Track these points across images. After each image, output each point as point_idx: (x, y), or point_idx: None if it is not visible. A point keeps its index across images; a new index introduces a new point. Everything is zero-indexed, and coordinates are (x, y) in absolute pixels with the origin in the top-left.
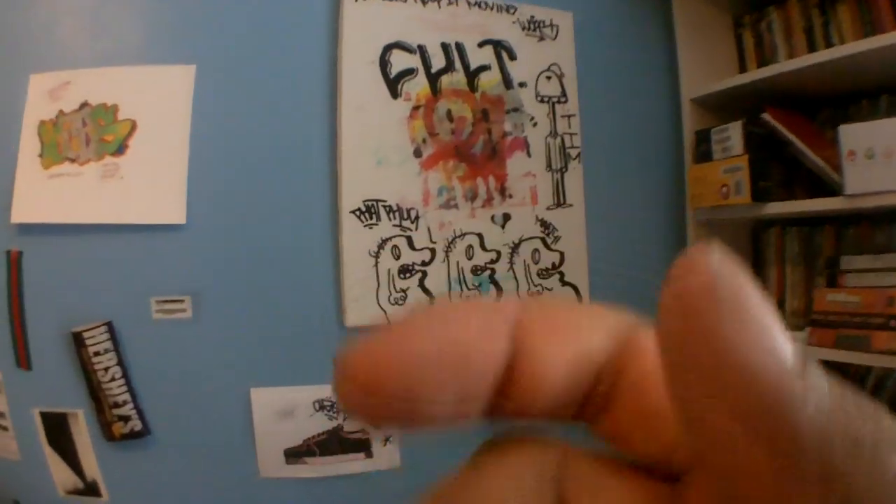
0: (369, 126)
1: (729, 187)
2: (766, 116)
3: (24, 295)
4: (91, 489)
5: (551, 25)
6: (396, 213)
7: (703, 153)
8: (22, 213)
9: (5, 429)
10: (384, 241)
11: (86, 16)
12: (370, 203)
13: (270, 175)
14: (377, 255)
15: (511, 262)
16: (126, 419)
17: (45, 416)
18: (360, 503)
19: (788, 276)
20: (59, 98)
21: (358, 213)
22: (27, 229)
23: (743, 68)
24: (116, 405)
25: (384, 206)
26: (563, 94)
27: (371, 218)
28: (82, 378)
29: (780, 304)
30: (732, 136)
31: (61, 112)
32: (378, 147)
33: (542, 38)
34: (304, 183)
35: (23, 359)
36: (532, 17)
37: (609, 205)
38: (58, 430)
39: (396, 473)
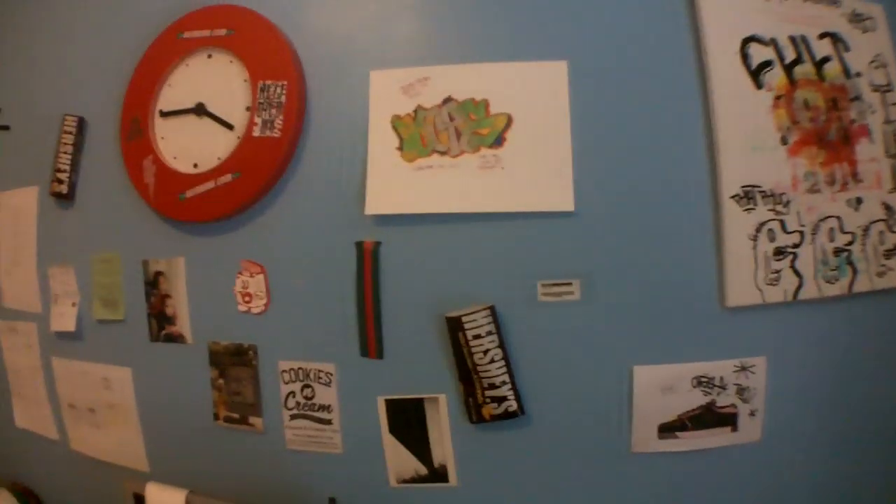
0: (740, 115)
1: None
2: None
3: (380, 286)
4: (437, 475)
5: (870, 17)
6: (770, 198)
7: None
8: (380, 204)
9: (328, 422)
10: (761, 225)
11: (432, 13)
12: (748, 188)
13: (650, 163)
14: (755, 238)
15: (863, 244)
16: (501, 400)
17: (393, 403)
18: (724, 476)
19: None
20: (416, 93)
21: (737, 198)
22: (382, 220)
23: None
24: (492, 386)
25: (760, 192)
26: (889, 83)
27: (749, 203)
28: (451, 362)
29: None
30: None
31: (420, 107)
32: (751, 135)
33: (864, 31)
34: (683, 170)
35: (372, 348)
36: (854, 10)
37: None
38: (407, 417)
39: (756, 446)
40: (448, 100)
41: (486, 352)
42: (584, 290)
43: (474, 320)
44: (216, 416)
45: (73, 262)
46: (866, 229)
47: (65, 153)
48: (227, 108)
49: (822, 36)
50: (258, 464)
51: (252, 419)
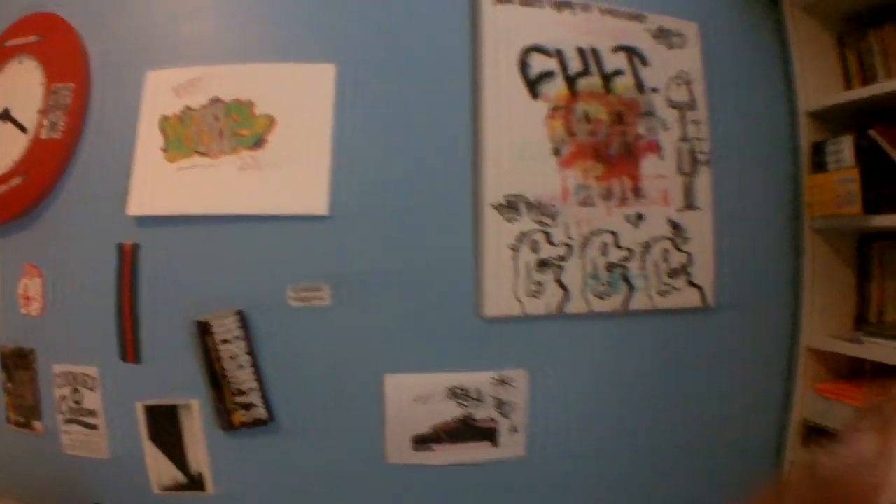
0: (510, 125)
1: (843, 197)
2: (873, 133)
3: (138, 288)
4: (194, 483)
5: (679, 35)
6: (536, 209)
7: (818, 164)
8: (141, 205)
9: (94, 427)
10: (523, 235)
11: (210, 14)
12: (511, 198)
13: (412, 169)
14: (517, 249)
15: (643, 261)
16: (249, 407)
17: (150, 409)
18: (484, 491)
19: (888, 289)
20: (186, 94)
21: (499, 207)
22: (144, 221)
23: (849, 85)
24: (240, 392)
25: (524, 202)
26: (692, 100)
27: (512, 212)
28: (203, 367)
29: (880, 315)
30: (844, 148)
31: (188, 108)
32: (519, 145)
33: (671, 47)
34: (446, 178)
35: (130, 352)
36: (661, 26)
37: (733, 210)
38: (163, 423)
39: (520, 463)
40: (216, 100)
41: (234, 357)
42: (335, 295)
43: (223, 325)
44: (8, 419)
45: None
46: (647, 246)
47: None
48: (27, 112)
49: (617, 49)
50: (41, 467)
51: (34, 423)
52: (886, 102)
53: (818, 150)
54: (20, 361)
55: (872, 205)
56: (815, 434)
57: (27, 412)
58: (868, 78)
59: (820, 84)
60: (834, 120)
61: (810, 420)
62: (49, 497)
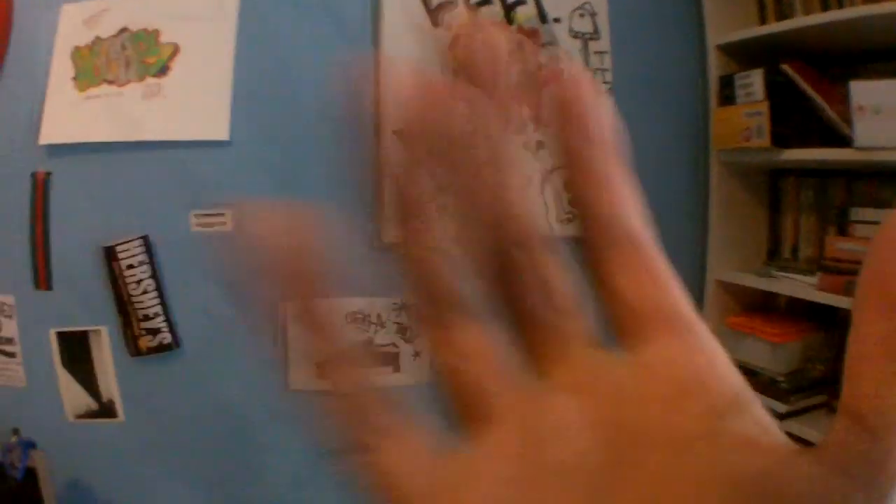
0: (410, 53)
1: (751, 130)
2: (785, 67)
3: (49, 216)
4: (106, 410)
5: None
6: None
7: (727, 97)
8: (52, 134)
9: (12, 355)
10: None
11: None
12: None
13: (310, 96)
14: None
15: (542, 190)
16: (155, 332)
17: (63, 336)
18: None
19: (802, 224)
20: (96, 25)
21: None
22: (57, 151)
23: (763, 20)
24: (146, 318)
25: None
26: (596, 31)
27: None
28: (110, 294)
29: (794, 251)
30: (754, 82)
31: (98, 38)
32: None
33: None
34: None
35: (42, 279)
36: None
37: (636, 141)
38: (75, 350)
39: (423, 388)
40: (124, 30)
41: (139, 282)
42: (237, 220)
43: (128, 249)
44: None
45: None
46: (547, 175)
47: None
48: None
49: None
50: None
51: None
52: (799, 40)
53: (727, 84)
54: None
55: (784, 140)
56: None
57: None
58: (786, 12)
59: (733, 18)
60: (745, 54)
61: None
62: None
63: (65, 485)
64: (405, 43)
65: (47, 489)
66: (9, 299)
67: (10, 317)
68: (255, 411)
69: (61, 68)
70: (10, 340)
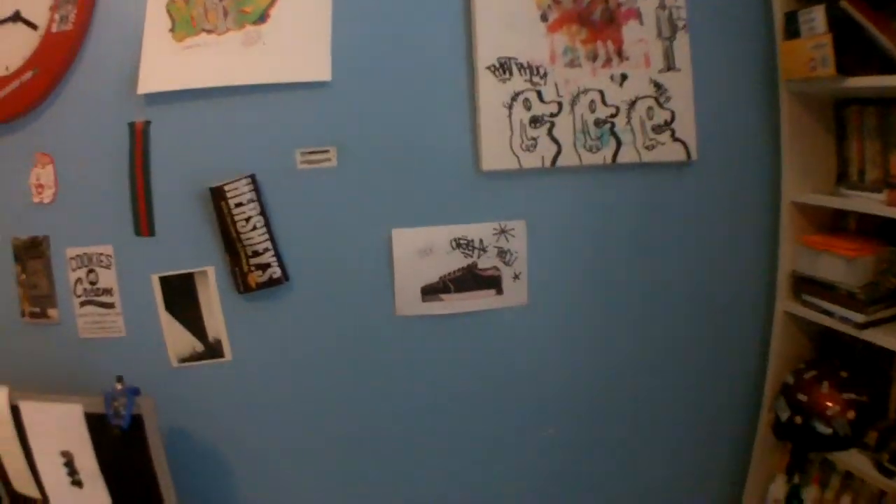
0: None
1: (816, 61)
2: (843, 4)
3: (150, 164)
4: (212, 351)
5: None
6: (527, 70)
7: (792, 31)
8: (150, 83)
9: (110, 306)
10: (517, 94)
11: None
12: (503, 60)
13: (410, 34)
14: (510, 107)
15: (629, 118)
16: (265, 267)
17: (166, 281)
18: (490, 338)
19: (867, 148)
20: None
21: (492, 68)
22: (156, 99)
23: None
24: (256, 253)
25: (516, 64)
26: None
27: (504, 73)
28: (216, 234)
29: (861, 173)
30: (817, 17)
31: None
32: (508, 11)
33: None
34: (441, 42)
35: (144, 226)
36: None
37: (712, 72)
38: (179, 293)
39: (523, 310)
40: None
41: (248, 219)
42: (341, 157)
43: (236, 188)
44: (23, 313)
45: None
46: (632, 103)
47: None
48: (38, 10)
49: None
50: (57, 355)
51: (49, 311)
52: None
53: (791, 19)
54: (32, 251)
55: (846, 69)
56: (805, 284)
57: (42, 301)
58: None
59: None
60: None
61: (799, 271)
62: (67, 383)
63: (168, 431)
64: None
65: (154, 436)
66: (107, 249)
67: (107, 267)
68: (365, 339)
69: (157, 20)
70: (107, 291)
